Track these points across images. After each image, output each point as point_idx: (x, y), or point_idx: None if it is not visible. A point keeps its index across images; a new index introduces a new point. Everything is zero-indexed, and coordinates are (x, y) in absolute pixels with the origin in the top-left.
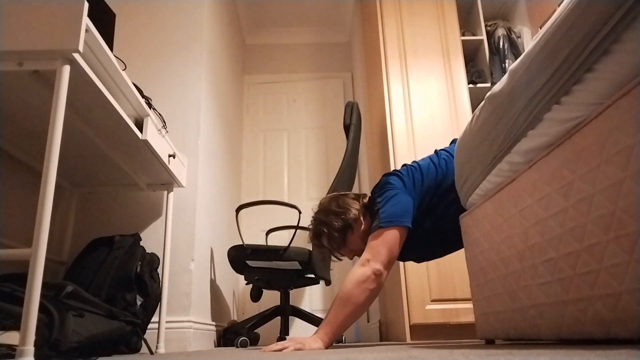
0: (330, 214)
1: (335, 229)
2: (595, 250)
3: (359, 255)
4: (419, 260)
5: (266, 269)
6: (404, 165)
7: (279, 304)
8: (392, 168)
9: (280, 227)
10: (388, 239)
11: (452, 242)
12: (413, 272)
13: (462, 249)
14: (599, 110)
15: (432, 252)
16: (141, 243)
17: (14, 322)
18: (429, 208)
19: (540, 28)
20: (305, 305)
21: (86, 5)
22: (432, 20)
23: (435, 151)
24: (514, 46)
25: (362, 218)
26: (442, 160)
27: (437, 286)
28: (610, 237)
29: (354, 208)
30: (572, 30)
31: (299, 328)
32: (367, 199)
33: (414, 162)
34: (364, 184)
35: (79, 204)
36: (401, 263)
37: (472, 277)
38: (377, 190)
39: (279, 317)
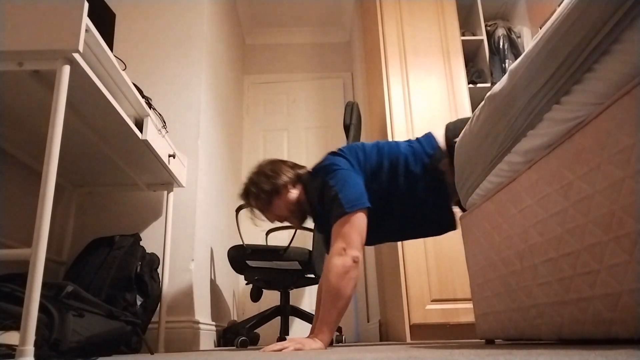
0: (261, 176)
1: (263, 191)
2: (595, 250)
3: (281, 221)
4: (373, 243)
5: (266, 269)
6: (347, 146)
7: (279, 304)
8: None
9: (280, 227)
10: (356, 224)
11: (426, 225)
12: (413, 272)
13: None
14: (599, 110)
15: (389, 233)
16: (141, 243)
17: (14, 322)
18: (377, 188)
19: (540, 28)
20: (305, 305)
21: (86, 5)
22: (432, 20)
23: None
24: (514, 46)
25: (291, 186)
26: (399, 144)
27: (437, 286)
28: (610, 237)
29: (286, 175)
30: (572, 30)
31: (299, 328)
32: (304, 170)
33: (360, 143)
34: None
35: (79, 204)
36: (401, 263)
37: (472, 277)
38: (324, 171)
39: (279, 317)
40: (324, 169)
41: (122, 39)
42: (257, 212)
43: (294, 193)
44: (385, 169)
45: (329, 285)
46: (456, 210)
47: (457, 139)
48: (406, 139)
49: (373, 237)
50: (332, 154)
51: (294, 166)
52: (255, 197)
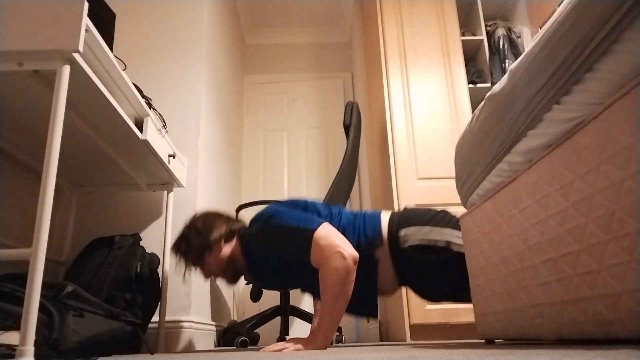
0: (192, 231)
1: (192, 247)
2: (595, 250)
3: (215, 277)
4: (289, 288)
5: None
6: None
7: (279, 304)
8: (392, 168)
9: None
10: (330, 231)
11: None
12: None
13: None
14: (599, 110)
15: (305, 287)
16: (141, 243)
17: (14, 322)
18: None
19: (540, 28)
20: (305, 305)
21: (86, 5)
22: (432, 20)
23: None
24: (514, 46)
25: (222, 242)
26: (342, 213)
27: None
28: (610, 237)
29: (218, 230)
30: (572, 30)
31: (299, 328)
32: (240, 225)
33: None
34: (364, 183)
35: (79, 204)
36: None
37: (472, 277)
38: (263, 219)
39: (279, 317)
40: (262, 217)
41: (122, 39)
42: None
43: (227, 249)
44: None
45: (333, 289)
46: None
47: (406, 229)
48: (406, 139)
49: (288, 282)
50: (270, 205)
51: (229, 220)
52: (184, 253)
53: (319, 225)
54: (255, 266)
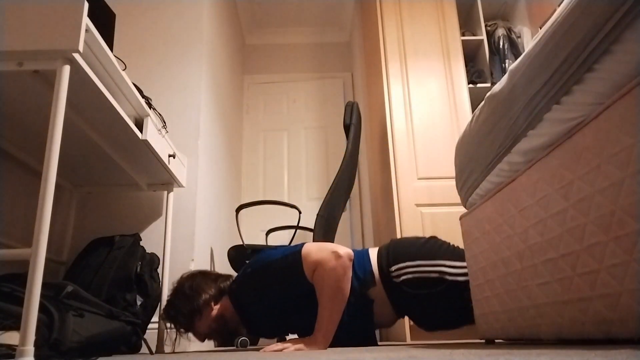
0: (180, 297)
1: (182, 314)
2: (595, 250)
3: (210, 339)
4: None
5: None
6: None
7: None
8: (392, 168)
9: (280, 227)
10: (317, 244)
11: (345, 340)
12: None
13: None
14: (599, 110)
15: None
16: (141, 243)
17: (14, 322)
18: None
19: (540, 28)
20: None
21: (86, 5)
22: (432, 20)
23: None
24: (514, 46)
25: (213, 303)
26: None
27: None
28: (610, 237)
29: (207, 293)
30: (572, 30)
31: None
32: (228, 282)
33: None
34: (364, 184)
35: (79, 204)
36: None
37: (472, 277)
38: (250, 266)
39: None
40: (249, 265)
41: (122, 39)
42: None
43: (216, 310)
44: None
45: (331, 288)
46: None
47: (399, 264)
48: (406, 139)
49: (287, 324)
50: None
51: (217, 278)
52: (174, 321)
53: (303, 245)
54: (249, 318)
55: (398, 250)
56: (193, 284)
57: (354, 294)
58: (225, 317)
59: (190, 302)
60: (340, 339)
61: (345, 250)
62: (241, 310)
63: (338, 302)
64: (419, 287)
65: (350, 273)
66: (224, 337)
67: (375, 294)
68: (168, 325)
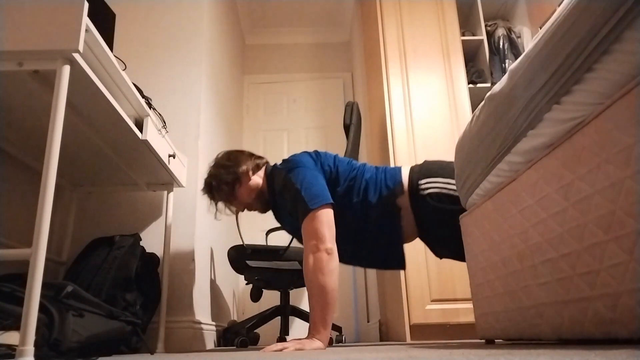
0: (220, 167)
1: (224, 182)
2: (595, 250)
3: (249, 209)
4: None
5: (266, 269)
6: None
7: (279, 304)
8: None
9: (280, 227)
10: (323, 219)
11: (372, 256)
12: (413, 272)
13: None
14: (599, 110)
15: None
16: (141, 243)
17: (14, 322)
18: (338, 205)
19: (540, 28)
20: (305, 305)
21: (86, 5)
22: (432, 20)
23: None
24: (514, 46)
25: (251, 173)
26: (365, 169)
27: (437, 286)
28: (610, 237)
29: (244, 162)
30: (572, 30)
31: (299, 328)
32: (264, 161)
33: (333, 154)
34: None
35: (79, 204)
36: None
37: (472, 277)
38: (288, 166)
39: (279, 317)
40: (288, 164)
41: (122, 39)
42: (219, 205)
43: (255, 180)
44: (345, 185)
45: (311, 284)
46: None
47: (428, 179)
48: (406, 139)
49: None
50: (301, 153)
51: (252, 155)
52: (217, 190)
53: (319, 207)
54: (276, 203)
55: (431, 167)
56: (230, 156)
57: (381, 202)
58: (262, 189)
59: (231, 171)
60: (369, 250)
61: (325, 246)
62: (271, 192)
63: (324, 295)
64: (442, 201)
65: (331, 266)
66: (262, 205)
67: (402, 203)
68: (209, 197)
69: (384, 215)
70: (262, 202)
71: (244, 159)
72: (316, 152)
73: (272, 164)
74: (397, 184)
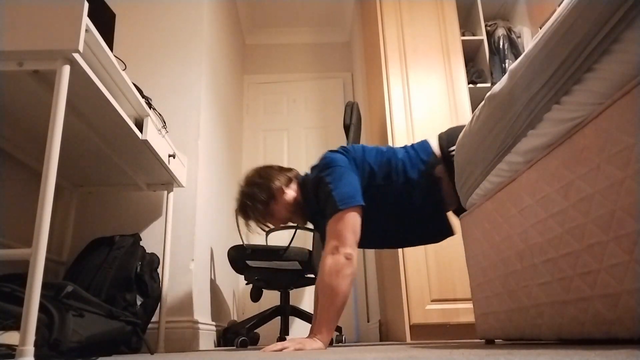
0: (253, 186)
1: (259, 201)
2: (595, 250)
3: (285, 223)
4: (370, 246)
5: (266, 269)
6: (346, 145)
7: (279, 304)
8: None
9: (281, 227)
10: (349, 221)
11: (424, 233)
12: (413, 272)
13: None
14: (599, 110)
15: (385, 238)
16: (141, 243)
17: (14, 322)
18: (374, 191)
19: (540, 28)
20: (305, 305)
21: (86, 5)
22: (432, 20)
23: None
24: (514, 46)
25: (284, 188)
26: (390, 149)
27: (437, 286)
28: (610, 237)
29: (277, 178)
30: (572, 30)
31: (299, 328)
32: (295, 172)
33: (360, 145)
34: None
35: (79, 204)
36: (401, 263)
37: (472, 277)
38: (322, 168)
39: (279, 317)
40: (321, 166)
41: (122, 39)
42: (253, 224)
43: (290, 194)
44: (382, 173)
45: (323, 284)
46: (452, 216)
47: (455, 145)
48: (406, 139)
49: (369, 240)
50: (331, 151)
51: (282, 169)
52: (252, 209)
53: (347, 209)
54: (311, 210)
55: (457, 132)
56: (261, 173)
57: (422, 176)
58: (298, 201)
59: (265, 188)
60: (412, 224)
61: (345, 251)
62: (306, 201)
63: (333, 297)
64: None
65: (346, 272)
66: (301, 217)
67: (440, 173)
68: (243, 218)
69: (427, 188)
70: (300, 213)
71: (275, 173)
72: (344, 147)
73: (302, 173)
74: (431, 155)
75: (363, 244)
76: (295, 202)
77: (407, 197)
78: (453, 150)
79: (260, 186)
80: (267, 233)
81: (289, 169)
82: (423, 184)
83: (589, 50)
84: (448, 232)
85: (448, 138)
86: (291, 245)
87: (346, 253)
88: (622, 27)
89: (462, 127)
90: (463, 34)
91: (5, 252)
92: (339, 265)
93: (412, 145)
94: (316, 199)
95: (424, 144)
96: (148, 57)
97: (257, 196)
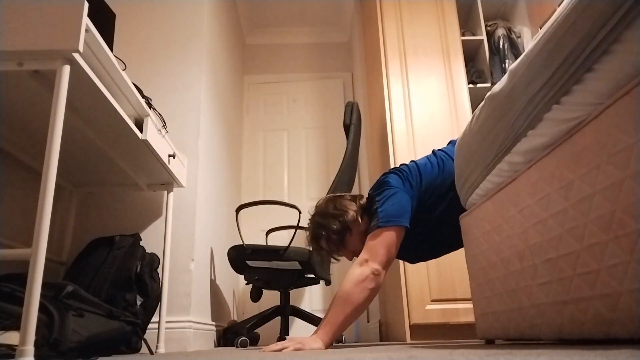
0: (328, 217)
1: (334, 232)
2: (595, 250)
3: (358, 255)
4: (413, 261)
5: (266, 269)
6: (403, 164)
7: (279, 304)
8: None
9: (280, 227)
10: (386, 239)
11: (450, 243)
12: (413, 272)
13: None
14: (599, 110)
15: (427, 253)
16: (141, 243)
17: (14, 322)
18: (427, 208)
19: (540, 28)
20: (305, 305)
21: (86, 5)
22: (432, 20)
23: (433, 151)
24: (514, 46)
25: (359, 219)
26: (440, 161)
27: (437, 286)
28: (610, 237)
29: (352, 209)
30: (572, 30)
31: (299, 328)
32: (364, 199)
33: (412, 161)
34: (364, 184)
35: (79, 204)
36: (401, 263)
37: (472, 277)
38: (376, 188)
39: (279, 317)
40: (377, 187)
41: (122, 39)
42: (324, 254)
43: (363, 225)
44: (433, 189)
45: (342, 289)
46: None
47: (457, 139)
48: (406, 139)
49: (407, 254)
50: (387, 172)
51: (353, 198)
52: (327, 240)
53: (388, 227)
54: None
55: None
56: (336, 204)
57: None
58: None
59: (340, 220)
60: (447, 237)
61: (373, 266)
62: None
63: (345, 306)
64: None
65: (370, 286)
66: None
67: None
68: (318, 249)
69: (454, 199)
70: None
71: (349, 204)
72: (399, 168)
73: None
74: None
75: (403, 257)
76: (366, 231)
77: (447, 207)
78: None
79: (335, 217)
80: (267, 234)
81: (361, 197)
82: (452, 195)
83: (589, 50)
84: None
85: None
86: (291, 245)
87: (374, 268)
88: (622, 27)
89: None
90: (463, 34)
91: (5, 252)
92: (363, 277)
93: (443, 151)
94: (370, 220)
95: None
96: (148, 57)
97: (331, 227)
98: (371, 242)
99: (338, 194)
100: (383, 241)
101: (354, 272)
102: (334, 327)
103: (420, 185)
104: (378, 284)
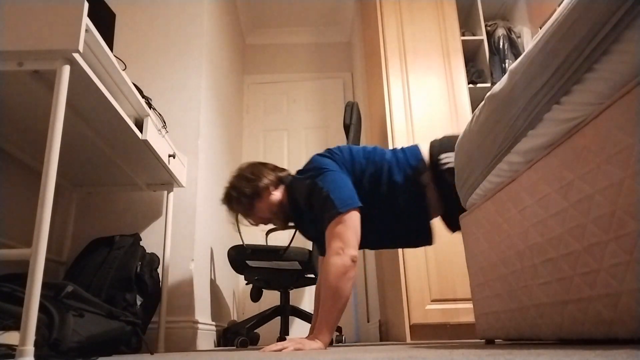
0: (242, 180)
1: (245, 195)
2: (595, 250)
3: (265, 224)
4: (365, 246)
5: (266, 269)
6: (335, 147)
7: (279, 304)
8: None
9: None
10: (350, 223)
11: (403, 237)
12: (413, 272)
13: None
14: (599, 110)
15: (376, 241)
16: (141, 243)
17: (14, 322)
18: (360, 193)
19: (540, 28)
20: (305, 305)
21: (86, 5)
22: (432, 20)
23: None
24: (514, 46)
25: (273, 188)
26: (384, 152)
27: (437, 286)
28: (610, 237)
29: (267, 178)
30: (572, 30)
31: (299, 328)
32: (286, 173)
33: (347, 145)
34: None
35: (79, 204)
36: (401, 263)
37: (472, 277)
38: (312, 173)
39: (279, 317)
40: (312, 171)
41: (122, 39)
42: (240, 215)
43: (276, 195)
44: (368, 175)
45: (329, 285)
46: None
47: (445, 154)
48: (406, 139)
49: (365, 240)
50: (319, 155)
51: (275, 169)
52: (236, 202)
53: (347, 211)
54: (298, 214)
55: (450, 141)
56: (254, 170)
57: (408, 181)
58: (282, 203)
59: (252, 185)
60: (394, 227)
61: (350, 253)
62: (293, 204)
63: (336, 299)
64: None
65: (351, 274)
66: (281, 221)
67: (426, 180)
68: (227, 208)
69: (411, 194)
70: (282, 216)
71: (266, 172)
72: (330, 150)
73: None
74: (419, 161)
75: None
76: (279, 204)
77: (391, 200)
78: (442, 159)
79: (249, 180)
80: (267, 234)
81: (282, 169)
82: (408, 189)
83: (589, 50)
84: (428, 241)
85: (440, 146)
86: (291, 245)
87: (352, 255)
88: (622, 27)
89: (456, 136)
90: (463, 34)
91: (5, 252)
92: (346, 267)
93: (402, 149)
94: (308, 205)
95: (414, 149)
96: (148, 57)
97: (243, 190)
98: (338, 230)
99: (262, 162)
100: (348, 226)
101: (335, 264)
102: (330, 324)
103: (352, 167)
104: (356, 268)
